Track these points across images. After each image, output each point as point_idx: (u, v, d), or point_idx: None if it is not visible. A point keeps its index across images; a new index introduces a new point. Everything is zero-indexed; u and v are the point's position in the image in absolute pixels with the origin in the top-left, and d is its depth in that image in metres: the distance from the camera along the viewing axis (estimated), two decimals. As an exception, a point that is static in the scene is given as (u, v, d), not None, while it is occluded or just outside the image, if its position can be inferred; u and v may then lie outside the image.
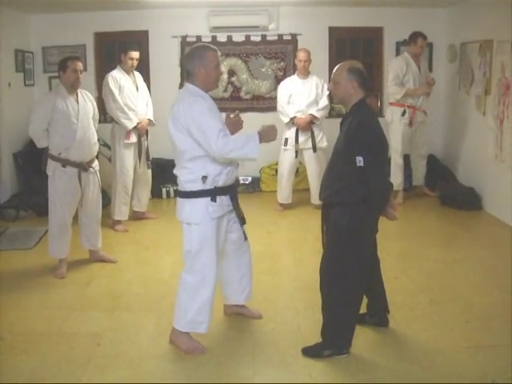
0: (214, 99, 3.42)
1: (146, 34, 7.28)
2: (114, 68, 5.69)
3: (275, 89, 6.97)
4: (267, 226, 5.85)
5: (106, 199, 5.61)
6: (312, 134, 6.16)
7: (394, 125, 6.47)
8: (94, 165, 4.58)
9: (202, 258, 3.23)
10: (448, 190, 6.60)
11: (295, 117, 6.13)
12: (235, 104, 7.32)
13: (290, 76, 6.64)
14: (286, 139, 6.25)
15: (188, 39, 7.14)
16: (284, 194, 6.44)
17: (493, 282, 4.24)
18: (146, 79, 6.43)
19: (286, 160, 6.33)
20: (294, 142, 6.19)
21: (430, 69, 7.09)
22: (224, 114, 3.48)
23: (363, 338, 3.37)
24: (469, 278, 4.36)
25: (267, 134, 3.18)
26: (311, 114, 6.12)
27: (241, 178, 7.00)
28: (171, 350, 3.31)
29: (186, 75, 3.25)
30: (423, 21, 7.16)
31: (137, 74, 5.82)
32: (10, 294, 4.13)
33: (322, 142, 6.24)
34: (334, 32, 7.40)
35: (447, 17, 7.23)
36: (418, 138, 6.62)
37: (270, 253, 5.05)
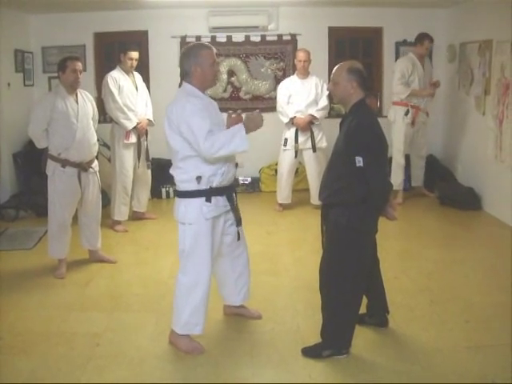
0: (214, 99, 3.42)
1: (145, 34, 7.28)
2: (113, 68, 5.69)
3: (275, 89, 6.97)
4: (267, 226, 5.84)
5: (106, 199, 5.60)
6: (311, 134, 6.16)
7: (396, 124, 6.51)
8: (93, 165, 4.58)
9: (194, 258, 3.23)
10: (447, 190, 6.60)
11: (295, 117, 6.13)
12: (235, 104, 7.33)
13: (289, 76, 6.64)
14: (286, 139, 6.25)
15: (187, 39, 7.13)
16: (283, 194, 6.44)
17: (492, 282, 4.24)
18: (146, 79, 6.44)
19: (286, 160, 6.33)
20: (293, 142, 6.19)
21: (430, 69, 7.11)
22: (225, 114, 3.48)
23: (363, 338, 3.37)
24: (468, 278, 4.36)
25: (252, 123, 3.13)
26: (311, 114, 6.11)
27: (240, 178, 7.03)
28: (170, 351, 3.31)
29: (184, 75, 3.24)
30: (423, 21, 7.17)
31: (136, 74, 5.81)
32: (9, 294, 4.13)
33: (322, 142, 6.23)
34: (333, 32, 7.40)
35: (446, 17, 7.23)
36: (419, 139, 6.65)
37: (270, 253, 5.05)
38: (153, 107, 5.85)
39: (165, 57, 7.18)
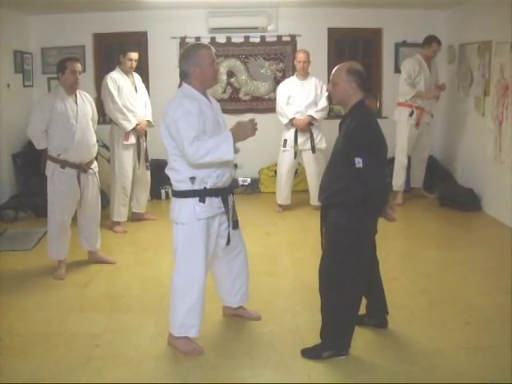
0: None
1: (145, 35, 7.28)
2: (112, 69, 5.68)
3: (274, 90, 6.97)
4: (266, 227, 5.84)
5: (105, 200, 5.59)
6: (311, 135, 6.16)
7: (400, 125, 6.54)
8: (92, 166, 4.58)
9: (188, 259, 3.22)
10: (447, 191, 6.61)
11: (294, 118, 6.13)
12: (234, 105, 7.34)
13: (289, 77, 6.65)
14: (285, 140, 6.25)
15: (187, 40, 7.13)
16: (283, 195, 6.44)
17: (492, 283, 4.24)
18: (145, 80, 6.44)
19: (285, 161, 6.32)
20: (293, 143, 6.19)
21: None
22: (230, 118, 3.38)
23: (362, 339, 3.36)
24: (468, 279, 4.36)
25: (240, 131, 3.08)
26: (310, 115, 6.11)
27: (240, 179, 7.02)
28: (170, 351, 3.31)
29: (183, 75, 3.23)
30: (422, 22, 7.19)
31: (136, 75, 5.81)
32: (9, 294, 4.12)
33: (321, 143, 6.23)
34: (333, 33, 7.40)
35: (446, 18, 7.23)
36: (422, 140, 6.68)
37: (269, 254, 5.05)
38: (152, 108, 5.85)
39: (164, 58, 7.18)
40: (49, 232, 4.57)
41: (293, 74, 6.48)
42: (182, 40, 7.19)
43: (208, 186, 3.16)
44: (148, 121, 5.76)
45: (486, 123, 6.06)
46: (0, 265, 4.75)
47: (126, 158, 5.67)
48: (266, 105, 7.37)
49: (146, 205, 6.14)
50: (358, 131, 3.00)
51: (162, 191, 7.02)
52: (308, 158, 6.28)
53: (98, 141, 4.76)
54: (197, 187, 3.16)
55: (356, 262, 3.09)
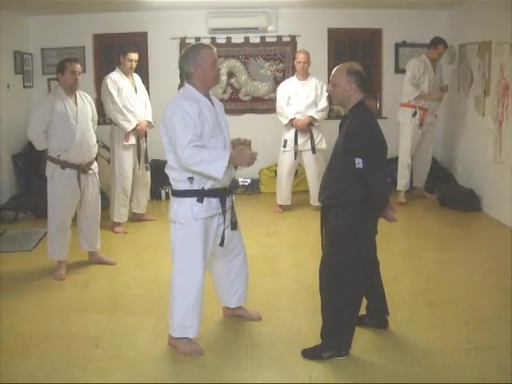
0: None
1: (145, 35, 7.29)
2: (112, 70, 5.68)
3: (274, 90, 6.97)
4: (266, 227, 5.84)
5: (105, 201, 5.60)
6: (311, 135, 6.16)
7: (404, 125, 6.56)
8: (93, 167, 4.58)
9: (185, 259, 3.22)
10: (447, 191, 6.60)
11: (294, 118, 6.12)
12: (234, 106, 7.34)
13: (289, 77, 6.65)
14: (285, 141, 6.25)
15: (187, 41, 7.13)
16: (283, 195, 6.44)
17: (492, 284, 4.24)
18: (145, 81, 6.44)
19: (285, 161, 6.32)
20: (293, 144, 6.19)
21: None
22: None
23: (363, 340, 3.36)
24: (468, 280, 4.35)
25: (239, 157, 3.12)
26: (310, 116, 6.11)
27: (240, 179, 7.01)
28: (170, 352, 3.30)
29: (185, 76, 3.23)
30: (422, 22, 7.20)
31: (136, 75, 5.81)
32: (8, 295, 4.12)
33: (321, 144, 6.23)
34: (332, 33, 7.41)
35: (446, 18, 7.24)
36: (426, 140, 6.70)
37: (270, 254, 5.05)
38: (152, 109, 5.85)
39: (164, 58, 7.18)
40: (49, 233, 4.57)
41: (293, 75, 6.47)
42: (182, 41, 7.19)
43: (206, 187, 3.16)
44: (148, 121, 5.76)
45: (486, 123, 6.06)
46: (0, 265, 4.75)
47: (126, 159, 5.67)
48: (266, 105, 7.38)
49: (146, 205, 6.14)
50: (358, 132, 3.00)
51: (163, 192, 7.03)
52: (308, 158, 6.27)
53: (98, 141, 4.76)
54: (195, 187, 3.16)
55: (356, 262, 3.08)
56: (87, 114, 4.52)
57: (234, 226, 3.38)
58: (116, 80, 5.55)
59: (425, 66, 6.42)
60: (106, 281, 4.50)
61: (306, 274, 4.31)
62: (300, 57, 6.14)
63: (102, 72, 6.75)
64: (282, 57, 7.40)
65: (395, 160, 6.74)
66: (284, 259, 5.10)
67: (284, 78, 7.09)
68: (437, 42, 6.40)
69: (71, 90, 4.39)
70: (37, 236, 5.48)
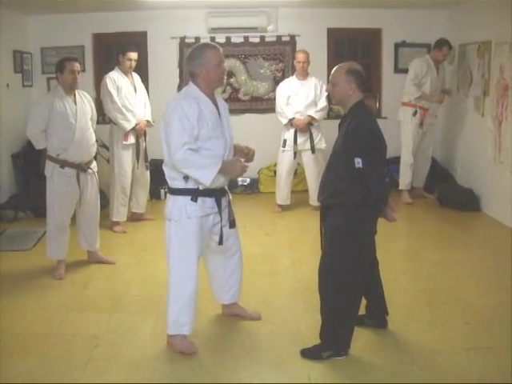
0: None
1: (144, 35, 7.28)
2: (112, 69, 5.67)
3: (274, 90, 6.97)
4: (265, 227, 5.84)
5: (105, 200, 5.59)
6: (310, 135, 6.16)
7: (404, 124, 6.58)
8: (92, 166, 4.58)
9: (179, 256, 3.24)
10: (447, 191, 6.61)
11: (294, 118, 6.12)
12: (234, 105, 7.32)
13: (288, 77, 6.65)
14: (285, 140, 6.25)
15: (186, 40, 7.14)
16: (282, 195, 6.44)
17: (492, 284, 4.24)
18: (145, 80, 6.43)
19: (285, 161, 6.32)
20: (292, 144, 6.19)
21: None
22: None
23: (362, 340, 3.36)
24: (467, 280, 4.35)
25: (229, 167, 3.15)
26: (310, 116, 6.11)
27: (239, 179, 7.01)
28: (169, 352, 3.30)
29: (190, 76, 3.23)
30: (422, 22, 7.20)
31: (135, 75, 5.80)
32: (8, 295, 4.11)
33: (321, 144, 6.23)
34: (332, 33, 7.41)
35: (445, 18, 7.24)
36: (426, 140, 6.71)
37: (269, 254, 5.04)
38: (151, 108, 5.84)
39: (164, 58, 7.18)
40: (48, 232, 4.56)
41: (292, 74, 6.48)
42: (182, 40, 7.19)
43: (201, 187, 3.16)
44: (147, 121, 5.76)
45: (486, 123, 6.06)
46: (-1, 265, 4.75)
47: (126, 158, 5.66)
48: (266, 105, 7.38)
49: (145, 205, 6.13)
50: (357, 131, 3.00)
51: (162, 191, 7.00)
52: (307, 158, 6.27)
53: (97, 140, 4.76)
54: (190, 186, 3.17)
55: (355, 262, 3.08)
56: (86, 113, 4.51)
57: (233, 224, 3.39)
58: (115, 79, 5.54)
59: (428, 66, 6.42)
60: (105, 280, 4.49)
61: (306, 274, 4.30)
62: (299, 56, 6.14)
63: (101, 71, 6.74)
64: (281, 56, 7.39)
65: (395, 160, 6.75)
66: (283, 259, 5.10)
67: (283, 77, 7.09)
68: (442, 43, 6.38)
69: (70, 89, 4.39)
70: (36, 235, 5.48)
